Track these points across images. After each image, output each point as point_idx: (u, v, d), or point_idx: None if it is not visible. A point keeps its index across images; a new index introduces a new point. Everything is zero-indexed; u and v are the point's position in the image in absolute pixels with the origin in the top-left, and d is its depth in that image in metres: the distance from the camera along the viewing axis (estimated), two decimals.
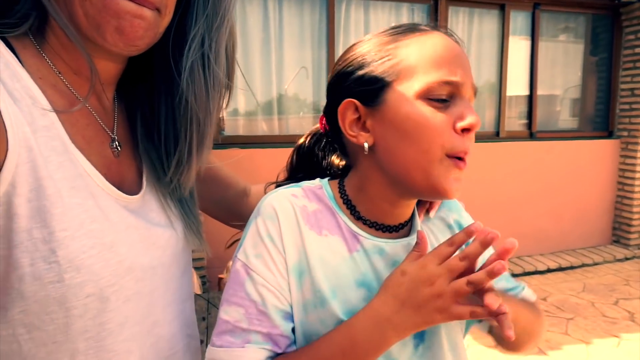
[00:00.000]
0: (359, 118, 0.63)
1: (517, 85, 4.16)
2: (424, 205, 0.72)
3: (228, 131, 3.43)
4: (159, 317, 0.59)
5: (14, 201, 0.43)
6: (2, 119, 0.42)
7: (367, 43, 0.64)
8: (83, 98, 0.53)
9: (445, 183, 0.58)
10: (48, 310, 0.46)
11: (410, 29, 0.62)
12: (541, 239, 4.17)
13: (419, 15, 3.76)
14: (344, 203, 0.66)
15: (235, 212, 0.76)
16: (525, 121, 4.21)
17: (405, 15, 3.73)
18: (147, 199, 0.61)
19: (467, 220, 0.74)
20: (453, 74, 0.58)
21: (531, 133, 4.18)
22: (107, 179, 0.53)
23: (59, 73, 0.52)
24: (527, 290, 0.75)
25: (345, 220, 0.65)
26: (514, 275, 3.74)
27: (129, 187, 0.59)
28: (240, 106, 3.49)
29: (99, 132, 0.57)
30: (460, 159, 0.58)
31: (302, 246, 0.62)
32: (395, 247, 0.65)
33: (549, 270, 3.91)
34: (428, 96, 0.58)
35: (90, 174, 0.51)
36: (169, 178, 0.61)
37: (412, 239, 0.65)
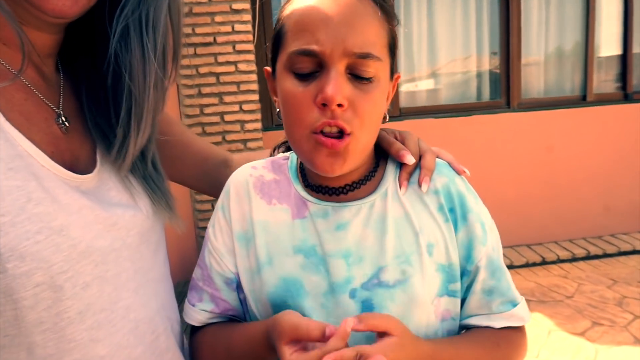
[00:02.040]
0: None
1: (608, 46, 3.68)
2: (406, 170, 0.64)
3: (403, 104, 3.49)
4: (131, 300, 0.54)
5: None
6: None
7: None
8: (16, 71, 0.48)
9: (316, 159, 0.56)
10: None
11: None
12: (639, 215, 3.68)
13: None
14: (300, 172, 0.67)
15: (218, 184, 0.73)
16: (619, 84, 3.71)
17: None
18: (104, 177, 0.56)
19: (461, 187, 0.64)
20: (312, 42, 0.53)
21: (626, 94, 3.68)
22: (53, 157, 0.49)
23: None
24: (518, 309, 0.64)
25: (298, 188, 0.66)
26: (607, 256, 3.29)
27: (85, 165, 0.55)
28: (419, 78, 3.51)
29: (41, 108, 0.52)
30: (326, 134, 0.54)
31: (249, 215, 0.65)
32: (342, 210, 0.62)
33: None
34: (292, 69, 0.55)
35: (32, 153, 0.47)
36: (112, 156, 0.56)
37: (364, 203, 0.62)
